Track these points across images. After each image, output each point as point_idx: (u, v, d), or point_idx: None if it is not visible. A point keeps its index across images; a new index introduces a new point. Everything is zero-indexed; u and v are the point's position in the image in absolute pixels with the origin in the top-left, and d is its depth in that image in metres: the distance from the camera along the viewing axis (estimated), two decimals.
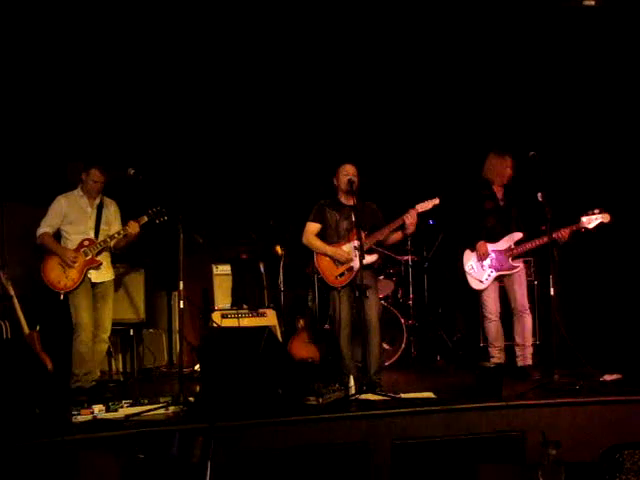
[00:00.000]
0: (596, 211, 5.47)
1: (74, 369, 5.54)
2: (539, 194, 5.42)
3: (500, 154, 5.93)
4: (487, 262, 5.79)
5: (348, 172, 5.53)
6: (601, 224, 5.48)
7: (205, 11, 6.45)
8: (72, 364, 5.54)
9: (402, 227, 5.40)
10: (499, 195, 5.95)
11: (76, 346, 5.53)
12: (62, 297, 5.55)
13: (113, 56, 6.76)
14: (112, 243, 5.69)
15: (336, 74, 7.31)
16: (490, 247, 5.82)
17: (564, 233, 5.51)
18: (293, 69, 7.27)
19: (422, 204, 5.35)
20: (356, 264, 5.35)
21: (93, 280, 5.67)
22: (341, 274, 5.47)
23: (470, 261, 5.89)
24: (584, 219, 5.49)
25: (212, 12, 6.48)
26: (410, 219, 5.30)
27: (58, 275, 5.55)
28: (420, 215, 5.36)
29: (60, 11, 6.14)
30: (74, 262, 5.55)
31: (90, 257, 5.62)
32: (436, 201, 5.34)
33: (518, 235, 5.78)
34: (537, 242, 5.61)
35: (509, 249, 5.77)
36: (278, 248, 7.38)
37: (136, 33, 6.56)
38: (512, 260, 5.76)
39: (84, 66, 6.76)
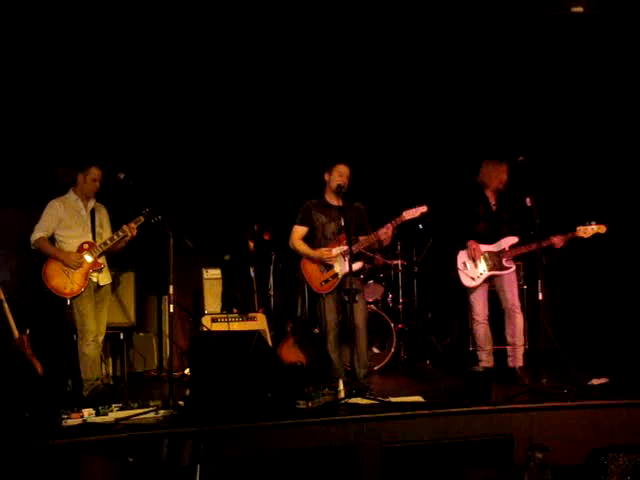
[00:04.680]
0: (593, 222, 5.52)
1: (85, 375, 5.36)
2: (527, 199, 5.47)
3: (497, 160, 5.96)
4: (481, 261, 5.81)
5: (342, 173, 5.45)
6: (597, 234, 5.53)
7: (196, 14, 6.47)
8: (82, 371, 5.36)
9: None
10: (492, 200, 5.99)
11: (86, 352, 5.35)
12: (69, 303, 5.37)
13: (102, 60, 6.75)
14: (111, 244, 5.49)
15: (330, 76, 7.33)
16: (483, 248, 5.84)
17: (557, 240, 5.56)
18: (285, 76, 7.29)
19: (409, 211, 5.30)
20: (341, 271, 5.37)
21: (100, 283, 5.53)
22: (326, 280, 5.44)
23: (464, 259, 5.91)
24: (580, 229, 5.53)
25: (203, 14, 6.50)
26: (384, 236, 5.31)
27: (63, 280, 5.35)
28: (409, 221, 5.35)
29: (49, 16, 6.14)
30: (79, 265, 5.38)
31: (93, 260, 5.44)
32: (424, 209, 5.28)
33: (512, 239, 5.79)
34: (532, 247, 5.62)
35: (502, 251, 5.79)
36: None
37: (125, 37, 6.57)
38: (506, 261, 5.79)
39: (72, 70, 6.75)
